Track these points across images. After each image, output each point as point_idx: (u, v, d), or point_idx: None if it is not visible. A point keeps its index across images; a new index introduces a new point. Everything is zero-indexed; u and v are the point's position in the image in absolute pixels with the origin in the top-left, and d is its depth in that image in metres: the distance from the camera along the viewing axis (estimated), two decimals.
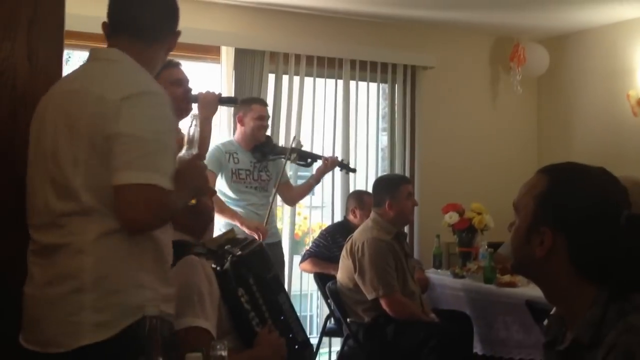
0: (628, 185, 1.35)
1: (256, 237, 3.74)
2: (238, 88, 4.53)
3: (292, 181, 4.42)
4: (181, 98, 2.73)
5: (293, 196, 4.27)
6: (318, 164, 4.19)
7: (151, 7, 1.83)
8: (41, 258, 1.71)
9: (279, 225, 4.42)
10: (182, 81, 2.81)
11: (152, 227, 1.69)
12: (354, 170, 4.43)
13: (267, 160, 4.03)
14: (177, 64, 2.84)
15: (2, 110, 1.99)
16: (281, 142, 4.44)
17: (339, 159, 4.32)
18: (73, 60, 4.66)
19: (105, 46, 1.84)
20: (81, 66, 1.85)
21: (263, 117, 3.99)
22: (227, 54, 4.52)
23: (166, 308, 1.71)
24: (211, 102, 3.09)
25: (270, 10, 4.72)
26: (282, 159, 4.00)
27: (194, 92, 2.93)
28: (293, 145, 4.03)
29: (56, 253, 1.67)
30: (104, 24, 1.84)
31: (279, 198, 4.24)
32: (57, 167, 1.68)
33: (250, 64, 4.58)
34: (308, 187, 4.27)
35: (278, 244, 4.16)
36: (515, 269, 1.40)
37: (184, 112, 2.69)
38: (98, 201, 1.64)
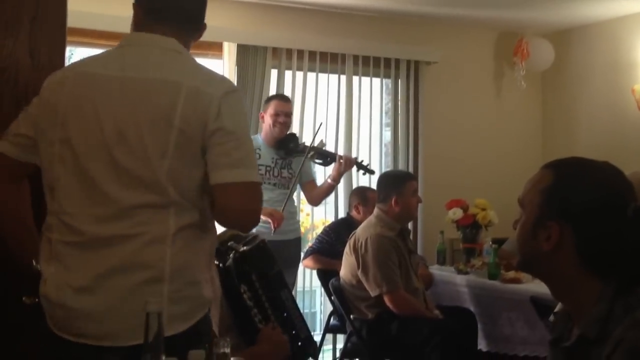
0: (634, 182, 1.34)
1: (270, 222, 3.77)
2: (241, 84, 4.51)
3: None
4: None
5: (315, 196, 4.27)
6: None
7: None
8: (89, 250, 1.60)
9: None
10: None
11: (258, 221, 1.76)
12: (372, 172, 4.34)
13: (290, 157, 4.05)
14: None
15: (5, 106, 1.98)
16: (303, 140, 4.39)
17: (358, 159, 4.29)
18: (75, 57, 4.65)
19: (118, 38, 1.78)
20: (131, 50, 1.71)
21: (279, 114, 4.01)
22: (229, 50, 4.51)
23: None
24: None
25: (272, 5, 4.71)
26: (302, 157, 4.02)
27: None
28: (315, 144, 4.04)
29: (119, 243, 1.59)
30: (135, 5, 1.76)
31: (301, 197, 4.23)
32: (134, 158, 1.59)
33: (252, 60, 4.57)
34: (328, 188, 4.22)
35: (297, 241, 4.18)
36: (521, 266, 1.38)
37: None
38: (179, 194, 1.61)
